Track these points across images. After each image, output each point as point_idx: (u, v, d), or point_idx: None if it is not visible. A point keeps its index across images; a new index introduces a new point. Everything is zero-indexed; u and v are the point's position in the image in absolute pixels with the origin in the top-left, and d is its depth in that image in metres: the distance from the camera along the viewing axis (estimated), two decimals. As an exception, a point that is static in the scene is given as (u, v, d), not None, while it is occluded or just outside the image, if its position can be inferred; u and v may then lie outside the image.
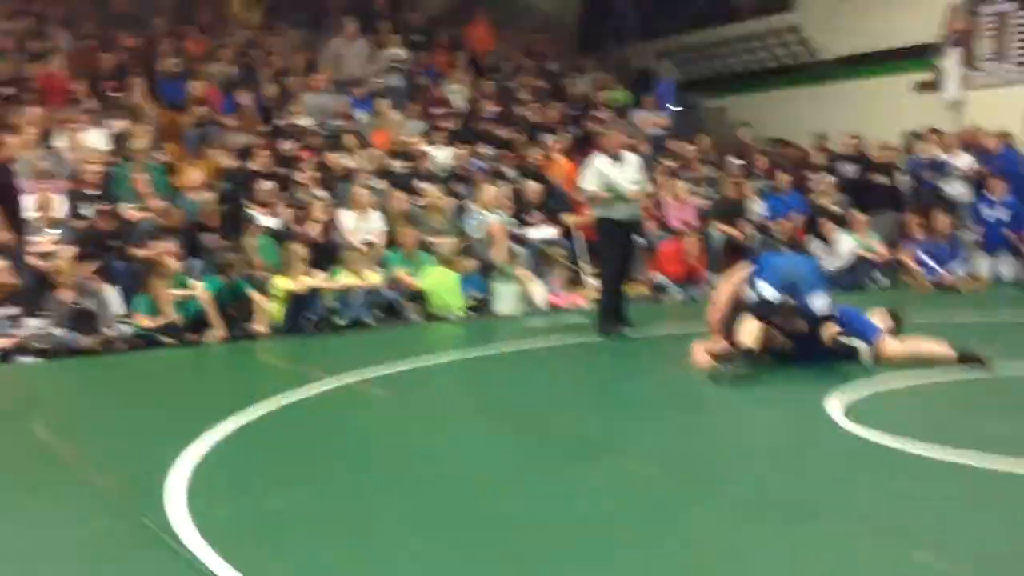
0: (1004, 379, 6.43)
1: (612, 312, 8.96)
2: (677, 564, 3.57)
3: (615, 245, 9.03)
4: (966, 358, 6.59)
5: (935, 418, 5.59)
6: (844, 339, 5.91)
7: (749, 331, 6.50)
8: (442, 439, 5.56)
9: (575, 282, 11.98)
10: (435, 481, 4.65)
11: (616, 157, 8.96)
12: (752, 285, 6.73)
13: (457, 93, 15.42)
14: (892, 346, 6.75)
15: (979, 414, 5.60)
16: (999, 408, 5.74)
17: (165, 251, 9.80)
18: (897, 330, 6.95)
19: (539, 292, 11.18)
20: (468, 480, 4.68)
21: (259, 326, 9.52)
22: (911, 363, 6.65)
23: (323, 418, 6.15)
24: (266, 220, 10.91)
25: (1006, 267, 12.00)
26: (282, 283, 9.81)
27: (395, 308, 10.45)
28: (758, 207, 13.51)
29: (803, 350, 6.59)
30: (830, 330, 6.42)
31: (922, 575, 3.35)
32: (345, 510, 4.27)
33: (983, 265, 12.05)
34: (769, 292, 6.53)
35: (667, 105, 16.41)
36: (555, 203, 12.78)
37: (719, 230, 13.05)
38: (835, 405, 5.73)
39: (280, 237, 10.72)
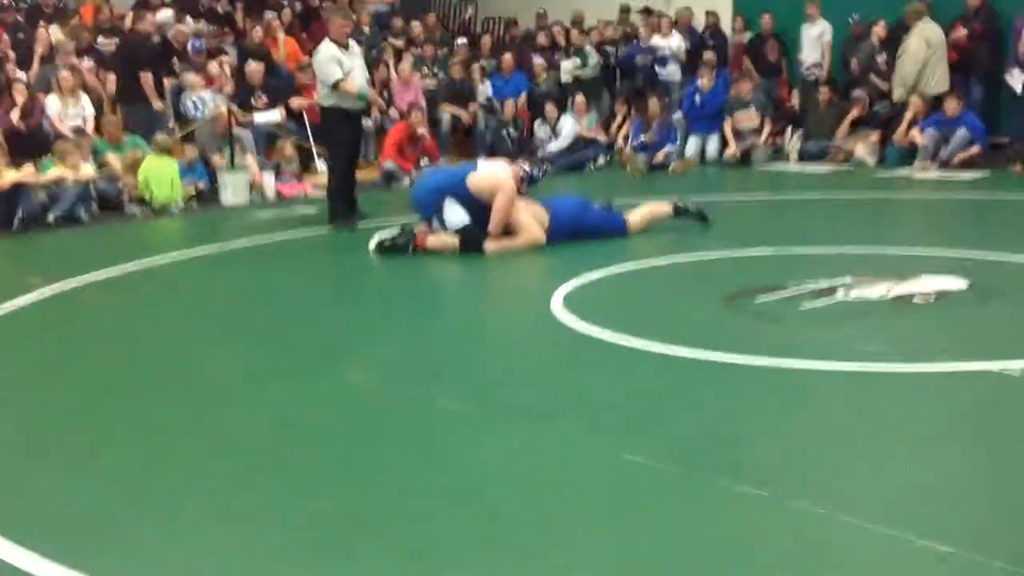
0: (700, 262, 6.98)
1: (343, 204, 8.91)
2: (393, 469, 3.68)
3: (344, 135, 8.92)
4: (679, 211, 8.01)
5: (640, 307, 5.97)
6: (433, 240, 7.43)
7: None
8: (163, 350, 5.43)
9: (304, 168, 11.75)
10: (156, 395, 4.61)
11: (345, 46, 8.77)
12: None
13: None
14: (633, 220, 7.88)
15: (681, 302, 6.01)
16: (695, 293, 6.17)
17: None
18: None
19: (268, 181, 10.89)
20: (189, 393, 4.64)
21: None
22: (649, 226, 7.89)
23: (38, 332, 5.88)
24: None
25: (711, 146, 12.79)
26: (-18, 178, 9.04)
27: (111, 201, 9.92)
28: (484, 88, 13.68)
29: None
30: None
31: (634, 473, 3.63)
32: (62, 432, 4.18)
33: (691, 145, 12.78)
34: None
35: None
36: (278, 84, 12.38)
37: (446, 112, 13.16)
38: (558, 299, 6.01)
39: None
